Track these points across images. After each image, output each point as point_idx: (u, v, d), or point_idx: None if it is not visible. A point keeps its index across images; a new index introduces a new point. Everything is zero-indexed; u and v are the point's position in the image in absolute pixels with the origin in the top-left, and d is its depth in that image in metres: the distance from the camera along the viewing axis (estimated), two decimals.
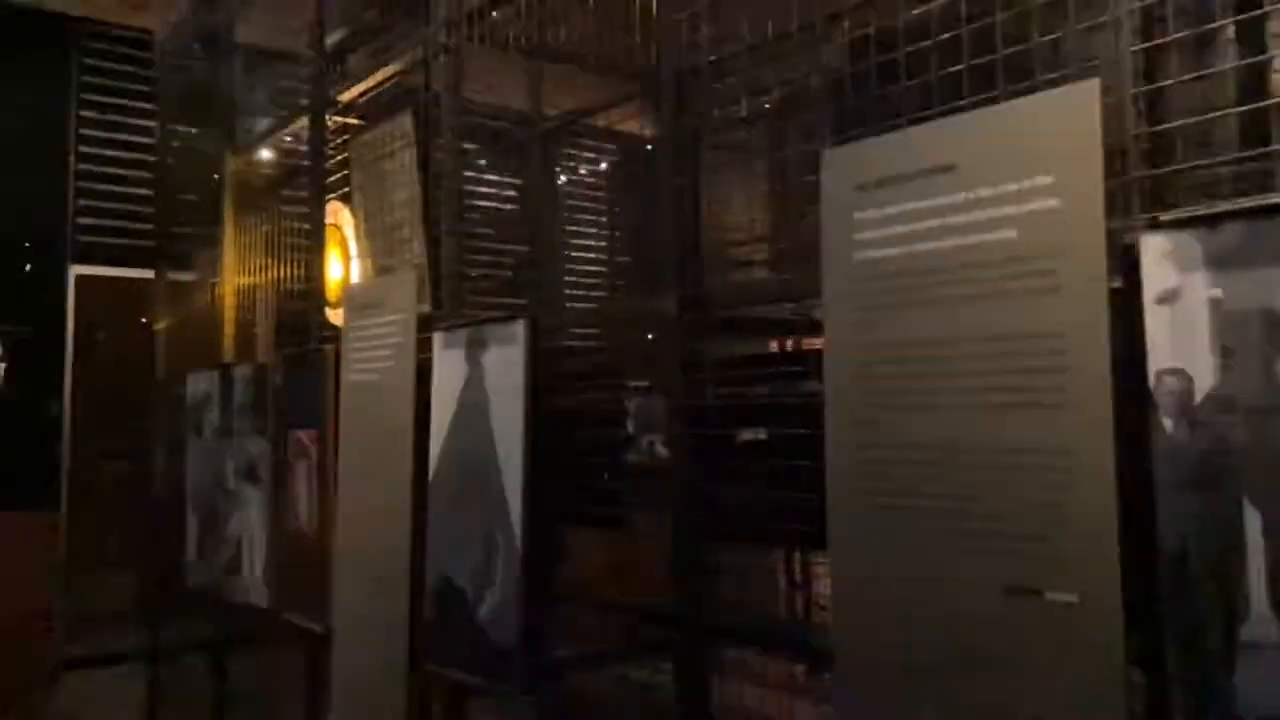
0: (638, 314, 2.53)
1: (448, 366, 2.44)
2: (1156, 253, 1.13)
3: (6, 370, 5.92)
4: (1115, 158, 1.23)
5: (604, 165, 6.45)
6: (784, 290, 2.08)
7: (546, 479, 2.18)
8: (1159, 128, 1.23)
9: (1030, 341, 1.22)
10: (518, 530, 2.15)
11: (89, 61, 6.20)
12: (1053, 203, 1.20)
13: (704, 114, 2.06)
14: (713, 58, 1.96)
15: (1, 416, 5.46)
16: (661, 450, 2.47)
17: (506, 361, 2.24)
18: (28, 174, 6.02)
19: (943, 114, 1.42)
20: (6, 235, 5.93)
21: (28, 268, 6.02)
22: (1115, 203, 1.21)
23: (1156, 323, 1.13)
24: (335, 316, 3.29)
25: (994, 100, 1.36)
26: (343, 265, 3.43)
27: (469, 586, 2.29)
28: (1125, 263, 1.17)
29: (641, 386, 2.59)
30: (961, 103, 1.43)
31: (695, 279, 1.98)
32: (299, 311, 3.44)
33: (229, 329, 3.98)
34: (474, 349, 2.36)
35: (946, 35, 1.45)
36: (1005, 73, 1.39)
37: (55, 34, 6.09)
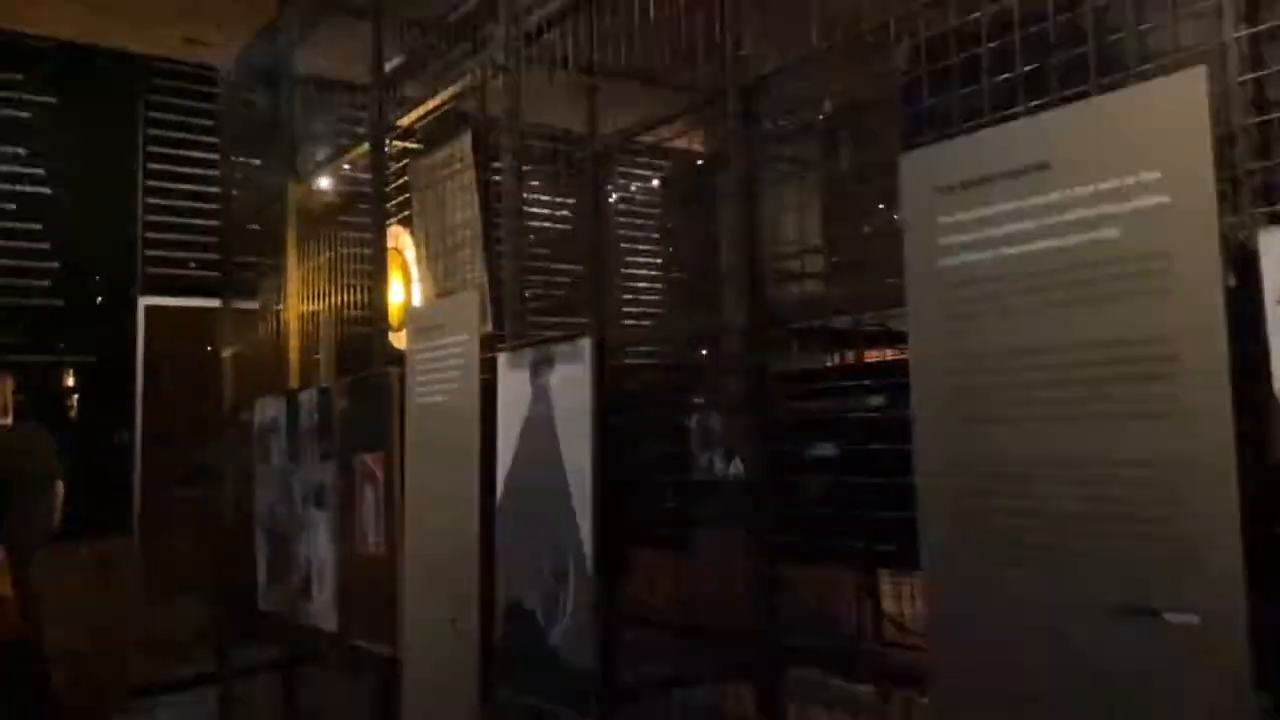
0: (707, 330, 2.49)
1: (513, 386, 2.42)
2: (1277, 249, 1.06)
3: (79, 400, 6.10)
4: (1223, 150, 1.16)
5: (655, 182, 6.44)
6: (855, 302, 2.03)
7: (614, 498, 2.15)
8: (1270, 117, 1.15)
9: (1139, 348, 1.15)
10: (589, 551, 2.12)
11: (155, 98, 6.40)
12: (1160, 199, 1.13)
13: (768, 126, 2.03)
14: (778, 68, 1.92)
15: (75, 445, 5.60)
16: (723, 467, 2.42)
17: (572, 380, 2.22)
18: (98, 210, 6.22)
19: (1005, 115, 1.36)
20: (79, 269, 6.13)
21: (99, 300, 6.20)
22: (1224, 198, 1.15)
23: (1279, 324, 1.06)
24: (398, 340, 3.31)
25: (1082, 96, 1.29)
26: (404, 288, 3.45)
27: (540, 609, 2.26)
28: (1240, 261, 1.10)
29: (700, 403, 2.54)
30: (1040, 101, 1.37)
31: (762, 294, 1.94)
32: (362, 336, 3.47)
33: (294, 355, 4.04)
34: (539, 368, 2.34)
35: (1032, 30, 1.39)
36: (1082, 68, 1.33)
37: (122, 72, 6.30)
